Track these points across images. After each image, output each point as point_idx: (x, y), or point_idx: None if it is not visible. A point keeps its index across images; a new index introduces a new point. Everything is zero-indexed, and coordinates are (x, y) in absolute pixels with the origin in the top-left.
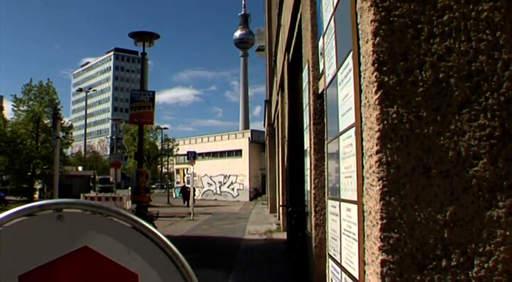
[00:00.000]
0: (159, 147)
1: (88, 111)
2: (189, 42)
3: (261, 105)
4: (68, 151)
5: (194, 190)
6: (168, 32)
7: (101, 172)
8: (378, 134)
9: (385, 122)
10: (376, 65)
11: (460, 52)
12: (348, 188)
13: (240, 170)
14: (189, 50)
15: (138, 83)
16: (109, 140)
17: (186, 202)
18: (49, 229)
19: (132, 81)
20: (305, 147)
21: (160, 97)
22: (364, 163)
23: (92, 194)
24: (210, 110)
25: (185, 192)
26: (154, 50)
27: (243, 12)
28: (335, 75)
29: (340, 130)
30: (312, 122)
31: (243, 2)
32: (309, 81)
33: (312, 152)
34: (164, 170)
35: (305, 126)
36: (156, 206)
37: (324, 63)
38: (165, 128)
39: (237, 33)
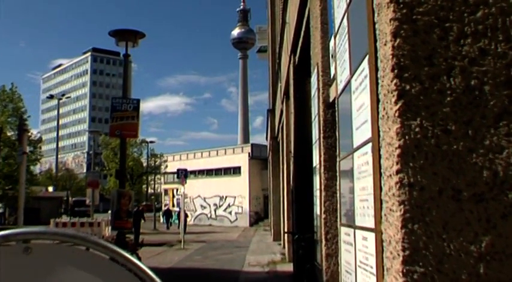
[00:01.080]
0: (145, 164)
1: (61, 122)
2: (179, 42)
3: (262, 116)
4: (36, 168)
5: (186, 215)
6: (154, 30)
7: (76, 193)
8: (398, 150)
9: (407, 137)
10: (396, 70)
11: (497, 54)
12: (364, 213)
13: (238, 190)
14: (178, 51)
15: (119, 90)
16: (85, 156)
17: (168, 225)
18: (14, 264)
19: (113, 87)
20: (314, 164)
21: (146, 106)
22: (382, 184)
23: (65, 219)
24: (203, 120)
25: (168, 215)
26: (139, 51)
27: (241, 7)
28: (348, 82)
29: (355, 145)
30: (321, 135)
31: None
32: (318, 88)
33: (322, 170)
34: (150, 191)
35: (314, 140)
36: (140, 232)
37: (335, 68)
38: (151, 142)
39: (235, 32)
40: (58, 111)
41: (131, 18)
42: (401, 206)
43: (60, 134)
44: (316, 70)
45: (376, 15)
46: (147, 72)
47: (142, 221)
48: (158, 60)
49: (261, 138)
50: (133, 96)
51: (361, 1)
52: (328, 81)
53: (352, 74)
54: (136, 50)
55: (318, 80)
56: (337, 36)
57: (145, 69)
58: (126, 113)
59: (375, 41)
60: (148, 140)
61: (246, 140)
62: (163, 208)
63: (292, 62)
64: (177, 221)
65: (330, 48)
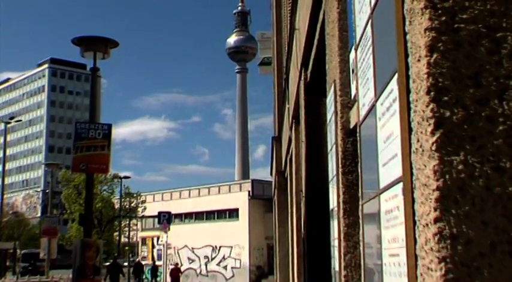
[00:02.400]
0: (117, 206)
1: (8, 152)
2: (161, 53)
3: (265, 145)
4: None
5: (179, 271)
6: (129, 38)
7: (26, 244)
8: (436, 193)
9: (447, 177)
10: (432, 93)
11: None
12: (395, 272)
13: (235, 238)
14: (160, 64)
15: (85, 112)
16: (40, 196)
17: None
18: None
19: (77, 108)
20: (331, 207)
21: (119, 132)
22: (417, 236)
23: (10, 278)
24: (191, 150)
25: (138, 270)
26: (110, 63)
27: (239, 8)
28: (373, 106)
29: (382, 185)
30: (340, 170)
31: None
32: (335, 111)
33: (341, 215)
34: (124, 240)
35: (330, 176)
36: None
37: (357, 87)
38: (125, 178)
39: (231, 40)
40: (5, 139)
41: (100, 24)
42: (442, 264)
43: (7, 167)
44: (333, 89)
45: (407, 23)
46: (121, 90)
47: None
48: (134, 75)
49: (263, 173)
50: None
51: (388, 6)
52: (348, 102)
53: (377, 96)
54: (107, 62)
55: (336, 101)
56: (359, 48)
57: (118, 87)
58: (95, 142)
59: (406, 56)
60: (121, 175)
61: (245, 175)
62: (145, 262)
63: (303, 78)
64: (149, 277)
65: (350, 61)
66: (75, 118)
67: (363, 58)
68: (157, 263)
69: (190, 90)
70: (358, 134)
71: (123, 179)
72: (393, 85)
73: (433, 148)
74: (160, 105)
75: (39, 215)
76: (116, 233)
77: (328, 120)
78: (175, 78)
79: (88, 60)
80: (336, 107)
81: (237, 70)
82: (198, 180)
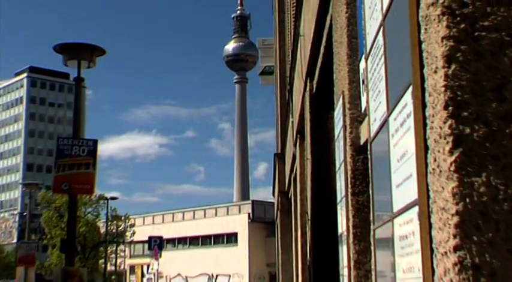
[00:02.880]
0: (103, 230)
1: None
2: (151, 61)
3: (267, 162)
4: None
5: None
6: (117, 45)
7: (1, 274)
8: (456, 218)
9: (468, 200)
10: (451, 108)
11: None
12: None
13: (234, 266)
14: (151, 73)
15: (68, 126)
16: (17, 219)
17: None
18: None
19: (59, 121)
20: (339, 232)
21: (106, 148)
22: (435, 265)
23: None
24: (185, 168)
25: None
26: (96, 72)
27: (238, 12)
28: (385, 121)
29: (395, 209)
30: (349, 190)
31: None
32: (344, 126)
33: (351, 240)
34: (110, 268)
35: (339, 198)
36: None
37: (367, 100)
38: (112, 199)
39: (230, 47)
40: None
41: (84, 31)
42: None
43: None
44: (341, 101)
45: (422, 31)
46: (107, 101)
47: None
48: (122, 85)
49: (265, 193)
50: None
51: (401, 12)
52: (357, 116)
53: (390, 111)
54: (92, 72)
55: (344, 115)
56: (370, 57)
57: (104, 98)
58: (78, 159)
59: (422, 67)
60: (108, 196)
61: (244, 195)
62: None
63: (308, 89)
64: None
65: (361, 71)
66: (57, 133)
67: (374, 68)
68: None
69: (184, 102)
70: (369, 152)
71: (109, 200)
72: (407, 99)
73: (452, 168)
74: (150, 119)
75: (15, 240)
76: (102, 261)
77: (336, 136)
78: (167, 89)
79: (71, 69)
80: (344, 121)
81: (235, 80)
82: (192, 202)
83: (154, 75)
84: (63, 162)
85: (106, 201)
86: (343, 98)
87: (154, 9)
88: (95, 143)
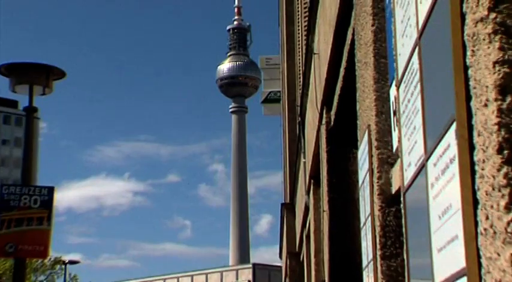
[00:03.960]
0: None
1: None
2: (123, 86)
3: (272, 215)
4: None
5: None
6: (80, 66)
7: None
8: None
9: None
10: (506, 151)
11: None
12: None
13: None
14: (122, 101)
15: (16, 168)
16: None
17: None
18: None
19: (4, 163)
20: None
21: (64, 197)
22: None
23: None
24: (167, 222)
25: None
26: (53, 100)
27: (235, 23)
28: (423, 166)
29: (438, 279)
30: (378, 253)
31: (235, 4)
32: (371, 170)
33: None
34: None
35: (365, 261)
36: None
37: (399, 137)
38: (72, 263)
39: (224, 67)
40: None
41: (40, 51)
42: None
43: None
44: (366, 137)
45: (469, 54)
46: (67, 136)
47: None
48: (87, 116)
49: (269, 255)
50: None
51: (442, 29)
52: (388, 157)
53: (428, 153)
54: (48, 99)
55: (371, 156)
56: (402, 83)
57: (63, 132)
58: (29, 213)
59: (468, 98)
60: (66, 259)
61: (243, 257)
62: None
63: (324, 121)
64: None
65: (391, 100)
66: (1, 178)
67: (407, 98)
68: None
69: (165, 137)
70: (402, 204)
71: (68, 265)
72: (450, 138)
73: (510, 229)
74: (122, 159)
75: None
76: None
77: (360, 182)
78: (143, 121)
79: (21, 96)
80: (371, 163)
81: (232, 109)
82: (176, 266)
83: (127, 104)
84: (9, 216)
85: (64, 266)
86: (369, 134)
87: (126, 21)
88: (50, 191)
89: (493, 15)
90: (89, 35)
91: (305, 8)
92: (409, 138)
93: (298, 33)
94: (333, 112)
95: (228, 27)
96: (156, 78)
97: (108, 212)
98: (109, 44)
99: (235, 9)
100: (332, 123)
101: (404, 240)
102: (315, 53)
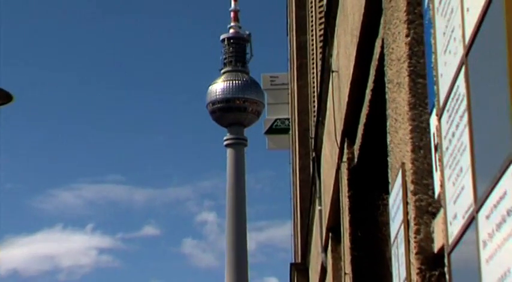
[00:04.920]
0: None
1: None
2: (86, 111)
3: (278, 277)
4: None
5: None
6: (29, 88)
7: None
8: None
9: None
10: None
11: None
12: None
13: None
14: (85, 132)
15: None
16: None
17: None
18: None
19: None
20: None
21: (6, 256)
22: None
23: None
24: None
25: None
26: None
27: (231, 32)
28: (472, 219)
29: None
30: None
31: (232, 8)
32: (406, 222)
33: None
34: None
35: None
36: None
37: (442, 181)
38: None
39: (217, 87)
40: None
41: None
42: None
43: None
44: (400, 179)
45: None
46: (12, 179)
47: None
48: (38, 152)
49: None
50: None
51: (494, 43)
52: (428, 206)
53: (479, 203)
54: None
55: (406, 203)
56: (445, 113)
57: (6, 173)
58: None
59: None
60: None
61: None
62: None
63: (346, 157)
64: None
65: (431, 133)
66: None
67: (451, 131)
68: None
69: (140, 178)
70: (447, 266)
71: None
72: (507, 184)
73: None
74: (84, 206)
75: None
76: None
77: (392, 237)
78: (111, 158)
79: None
80: (406, 213)
81: (226, 142)
82: None
83: (90, 136)
84: None
85: None
86: (404, 175)
87: (95, 34)
88: None
89: None
90: (46, 53)
91: (320, 13)
92: (455, 183)
93: (312, 45)
94: (356, 146)
95: (221, 37)
96: (128, 101)
97: (65, 276)
98: (69, 62)
99: (231, 14)
100: (355, 160)
101: None
102: (333, 71)
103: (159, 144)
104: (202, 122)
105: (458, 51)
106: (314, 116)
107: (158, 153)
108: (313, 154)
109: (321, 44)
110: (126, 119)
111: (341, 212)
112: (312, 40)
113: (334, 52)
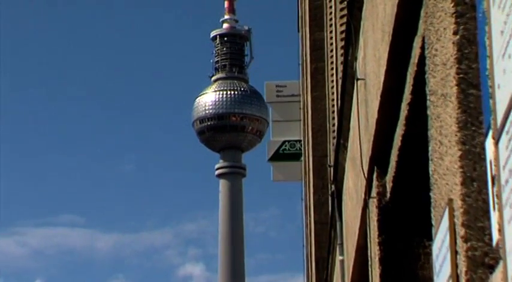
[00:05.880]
0: None
1: None
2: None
3: None
4: None
5: None
6: None
7: None
8: None
9: None
10: None
11: None
12: None
13: None
14: (28, 160)
15: None
16: None
17: None
18: None
19: None
20: None
21: None
22: None
23: None
24: None
25: None
26: None
27: (225, 27)
28: None
29: None
30: None
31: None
32: (454, 279)
33: None
34: None
35: None
36: None
37: (501, 224)
38: None
39: (207, 99)
40: None
41: None
42: None
43: None
44: (447, 221)
45: None
46: None
47: None
48: None
49: None
50: None
51: None
52: (484, 256)
53: None
54: None
55: (455, 252)
56: (504, 136)
57: None
58: None
59: None
60: None
61: None
62: None
63: (375, 193)
64: None
65: (487, 161)
66: None
67: None
68: None
69: (102, 219)
70: None
71: None
72: None
73: None
74: (29, 257)
75: None
76: None
77: None
78: (64, 194)
79: None
80: (455, 265)
81: (219, 171)
82: None
83: (36, 165)
84: None
85: None
86: (452, 215)
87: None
88: None
89: None
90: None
91: (342, 2)
92: None
93: (331, 45)
94: (389, 177)
95: (212, 33)
96: (90, 117)
97: None
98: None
99: (225, 4)
100: (388, 195)
101: None
102: (358, 79)
103: (129, 175)
104: (186, 145)
105: None
106: (333, 138)
107: (127, 187)
108: (333, 187)
109: (343, 43)
110: (83, 142)
111: (369, 263)
112: (331, 38)
113: (360, 54)
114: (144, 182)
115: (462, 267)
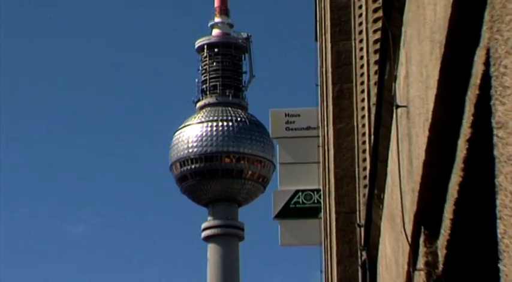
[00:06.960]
0: None
1: None
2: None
3: None
4: None
5: None
6: None
7: None
8: None
9: None
10: None
11: None
12: None
13: None
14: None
15: None
16: None
17: None
18: None
19: None
20: None
21: None
22: None
23: None
24: None
25: None
26: None
27: (214, 34)
28: None
29: None
30: None
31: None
32: None
33: None
34: None
35: None
36: None
37: None
38: None
39: (190, 133)
40: None
41: None
42: None
43: None
44: None
45: None
46: None
47: None
48: None
49: None
50: None
51: None
52: None
53: None
54: None
55: None
56: None
57: None
58: None
59: None
60: None
61: None
62: None
63: (422, 263)
64: None
65: None
66: None
67: None
68: None
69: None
70: None
71: None
72: None
73: None
74: None
75: None
76: None
77: None
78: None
79: None
80: None
81: (207, 232)
82: None
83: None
84: None
85: None
86: None
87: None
88: None
89: None
90: None
91: (375, 2)
92: None
93: (361, 59)
94: (441, 242)
95: (198, 43)
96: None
97: None
98: None
99: (216, 2)
100: (440, 266)
101: None
102: (398, 106)
103: (79, 238)
104: (162, 196)
105: None
106: (365, 186)
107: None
108: (364, 255)
109: (377, 56)
110: (28, 200)
111: None
112: (361, 49)
113: (401, 72)
114: (116, 246)
115: None
